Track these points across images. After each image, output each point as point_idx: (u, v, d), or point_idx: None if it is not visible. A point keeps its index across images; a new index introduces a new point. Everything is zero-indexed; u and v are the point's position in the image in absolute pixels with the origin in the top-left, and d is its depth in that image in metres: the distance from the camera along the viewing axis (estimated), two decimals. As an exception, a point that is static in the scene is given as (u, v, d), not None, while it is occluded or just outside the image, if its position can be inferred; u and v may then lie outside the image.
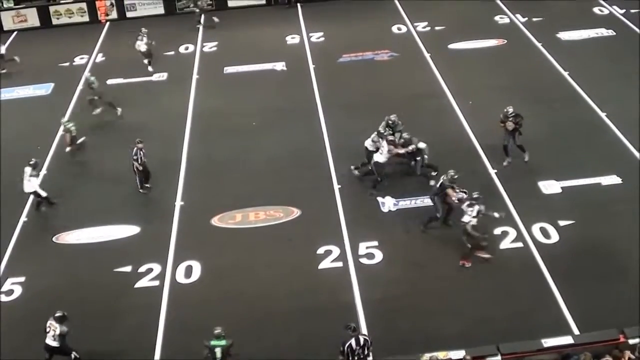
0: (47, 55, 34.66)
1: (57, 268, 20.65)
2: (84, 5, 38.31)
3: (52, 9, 38.39)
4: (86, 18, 38.31)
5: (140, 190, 23.18)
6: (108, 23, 37.81)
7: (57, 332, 17.00)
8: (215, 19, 35.90)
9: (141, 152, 22.80)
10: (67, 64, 33.34)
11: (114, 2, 38.21)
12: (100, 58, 33.82)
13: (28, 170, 22.60)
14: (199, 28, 35.67)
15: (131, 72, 31.46)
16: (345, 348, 15.31)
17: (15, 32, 37.61)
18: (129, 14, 38.24)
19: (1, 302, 19.57)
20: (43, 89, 31.16)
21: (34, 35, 37.49)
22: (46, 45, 35.90)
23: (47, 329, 17.11)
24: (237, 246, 20.70)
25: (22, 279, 20.23)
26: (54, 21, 38.39)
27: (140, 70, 31.47)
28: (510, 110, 22.68)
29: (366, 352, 15.45)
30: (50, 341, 17.09)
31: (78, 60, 33.63)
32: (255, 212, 21.84)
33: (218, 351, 16.03)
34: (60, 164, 25.56)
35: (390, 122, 22.69)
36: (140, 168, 22.97)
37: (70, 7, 38.34)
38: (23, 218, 22.75)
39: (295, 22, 35.06)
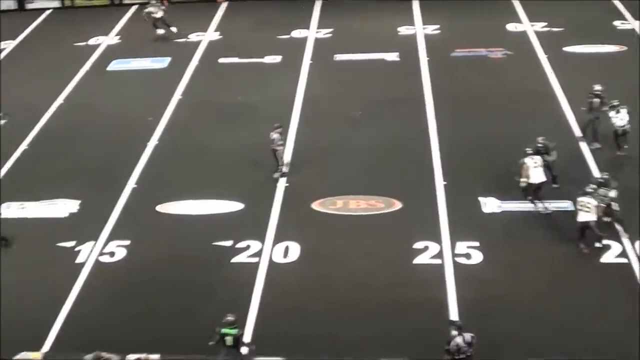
0: (166, 29, 35.45)
1: (160, 236, 21.38)
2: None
3: None
4: (205, -4, 39.09)
5: (275, 175, 23.31)
6: (226, 3, 38.46)
7: None
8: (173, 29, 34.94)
9: (273, 137, 22.97)
10: (184, 40, 34.17)
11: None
12: (216, 36, 34.53)
13: None
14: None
15: (245, 52, 32.01)
16: (452, 346, 15.28)
17: (136, 6, 38.73)
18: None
19: (103, 262, 20.48)
20: (160, 63, 32.11)
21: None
22: (166, 20, 36.70)
23: None
24: (336, 232, 20.90)
25: (126, 242, 21.05)
26: None
27: (254, 51, 31.99)
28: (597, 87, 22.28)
29: (472, 350, 15.41)
30: None
31: (194, 37, 34.43)
32: (357, 200, 21.98)
33: (228, 339, 15.95)
34: (171, 136, 26.32)
35: (540, 145, 21.58)
36: (280, 149, 23.12)
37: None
38: (132, 184, 23.55)
39: (410, 14, 34.89)
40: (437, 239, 20.18)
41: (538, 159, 20.97)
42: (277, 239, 20.64)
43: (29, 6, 40.06)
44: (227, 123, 26.64)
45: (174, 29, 34.46)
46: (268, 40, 33.12)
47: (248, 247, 20.44)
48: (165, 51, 32.98)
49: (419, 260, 19.53)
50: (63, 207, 22.78)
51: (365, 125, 25.97)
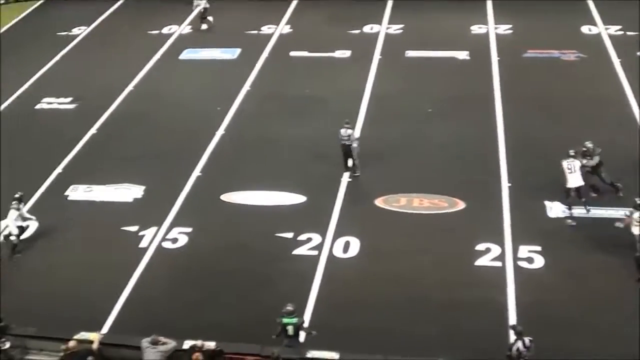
0: (237, 21, 35.93)
1: (222, 225, 21.55)
2: (278, -23, 39.20)
3: None
4: (278, -11, 39.24)
5: (346, 173, 23.22)
6: (299, -3, 38.64)
7: None
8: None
9: (344, 134, 22.61)
10: (255, 32, 34.39)
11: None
12: (287, 29, 34.65)
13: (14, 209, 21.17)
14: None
15: (316, 46, 32.05)
16: (513, 351, 15.21)
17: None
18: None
19: (166, 248, 20.73)
20: (230, 53, 32.36)
21: (226, 0, 38.79)
22: (237, 11, 37.21)
23: None
24: (398, 230, 20.75)
25: (188, 229, 21.25)
26: None
27: (324, 45, 32.00)
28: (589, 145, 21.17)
29: (530, 354, 15.30)
30: None
31: (265, 30, 34.63)
32: (420, 198, 21.81)
33: (290, 328, 16.07)
34: (238, 127, 26.52)
35: (584, 149, 21.25)
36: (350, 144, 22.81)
37: (264, -22, 39.32)
38: (197, 172, 23.80)
39: (483, 12, 34.50)
40: (500, 241, 19.88)
41: (574, 163, 20.60)
42: (338, 234, 20.61)
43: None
44: (294, 116, 26.72)
45: (210, 18, 35.30)
46: (339, 34, 33.11)
47: (309, 240, 20.46)
48: (235, 42, 33.22)
49: (480, 262, 19.28)
50: (128, 192, 23.14)
51: (433, 124, 25.75)
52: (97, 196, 23.13)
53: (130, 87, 29.96)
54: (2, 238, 21.19)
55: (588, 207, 20.76)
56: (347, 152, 22.92)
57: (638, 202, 18.82)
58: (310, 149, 24.56)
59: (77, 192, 23.40)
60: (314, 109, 26.98)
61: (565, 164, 20.59)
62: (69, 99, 29.43)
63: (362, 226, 20.87)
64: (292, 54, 31.76)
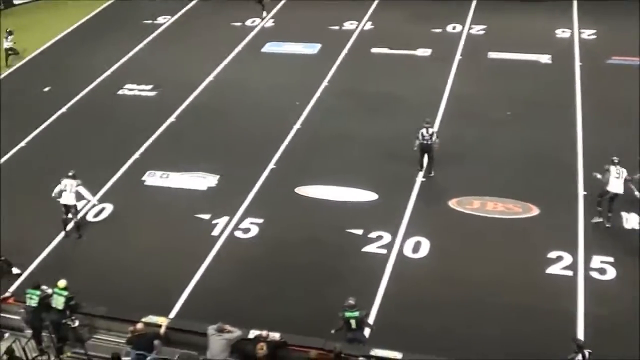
0: (320, 16, 36.06)
1: (294, 217, 21.66)
2: (362, -27, 39.20)
3: None
4: (363, -14, 39.22)
5: (420, 173, 23.06)
6: (382, -7, 38.55)
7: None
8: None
9: (425, 134, 22.43)
10: (337, 27, 34.43)
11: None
12: (368, 26, 34.61)
13: (69, 182, 21.29)
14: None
15: (397, 43, 31.92)
16: None
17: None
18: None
19: (237, 237, 20.95)
20: (311, 48, 32.48)
21: None
22: (319, 7, 37.27)
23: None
24: (469, 232, 20.54)
25: (260, 220, 21.42)
26: None
27: (405, 43, 31.86)
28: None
29: None
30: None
31: (347, 26, 34.65)
32: (494, 202, 21.53)
33: (353, 322, 16.10)
34: (315, 121, 26.64)
35: None
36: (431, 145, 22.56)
37: (349, -27, 39.35)
38: (272, 165, 24.00)
39: (568, 16, 33.87)
40: (572, 250, 19.50)
41: (622, 170, 20.19)
42: (409, 233, 20.51)
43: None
44: (372, 113, 26.68)
45: (264, 13, 36.03)
46: (421, 32, 32.95)
47: (379, 237, 20.40)
48: (317, 38, 33.34)
49: (551, 270, 18.94)
50: (203, 180, 23.44)
51: (512, 127, 25.39)
52: (172, 183, 23.50)
53: (210, 78, 30.32)
54: (70, 216, 21.41)
55: (611, 222, 20.49)
56: (426, 151, 22.77)
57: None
58: (386, 146, 24.47)
59: (154, 178, 23.81)
60: (391, 106, 26.89)
61: (614, 169, 20.15)
62: (150, 87, 29.97)
63: (433, 227, 20.73)
64: (373, 50, 31.70)
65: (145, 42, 34.72)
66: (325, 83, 29.17)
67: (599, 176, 20.37)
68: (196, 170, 23.87)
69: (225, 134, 26.14)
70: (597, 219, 20.55)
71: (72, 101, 29.32)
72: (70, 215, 21.36)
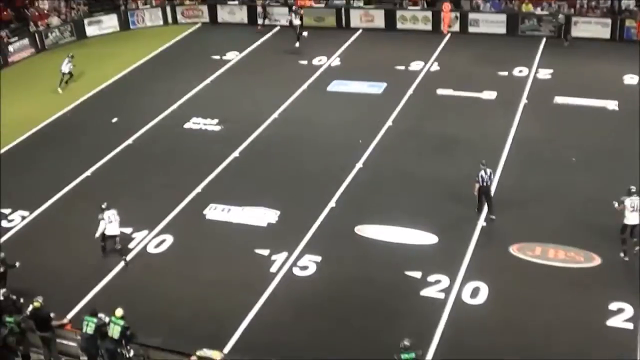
0: (386, 56, 36.27)
1: (352, 256, 21.56)
2: (429, 14, 39.54)
3: (398, 13, 40.13)
4: (429, 27, 39.49)
5: (481, 216, 22.83)
6: (449, 35, 38.63)
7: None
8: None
9: (485, 175, 22.35)
10: (403, 67, 34.54)
11: (458, 15, 38.86)
12: (435, 67, 34.64)
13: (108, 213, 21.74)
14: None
15: (462, 85, 31.83)
16: None
17: (360, 30, 39.82)
18: (471, 29, 38.80)
19: (295, 274, 20.94)
20: (376, 87, 32.56)
21: (377, 35, 39.61)
22: (386, 47, 37.64)
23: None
24: (530, 280, 20.13)
25: (319, 258, 21.41)
26: (398, 25, 40.06)
27: (471, 85, 31.75)
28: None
29: None
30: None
31: (414, 66, 34.74)
32: (556, 249, 21.09)
33: None
34: (377, 161, 26.60)
35: None
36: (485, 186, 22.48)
37: (416, 15, 39.70)
38: (332, 203, 23.97)
39: (637, 62, 33.22)
40: (634, 302, 18.90)
41: (637, 201, 20.26)
42: (468, 278, 20.21)
43: (261, 22, 42.03)
44: (434, 154, 26.58)
45: (297, 44, 36.85)
46: (487, 75, 32.83)
47: (437, 281, 20.14)
48: (382, 77, 33.44)
49: (612, 322, 18.41)
50: (264, 216, 23.52)
51: (576, 173, 24.94)
52: (233, 217, 23.63)
53: (275, 115, 30.59)
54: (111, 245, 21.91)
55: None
56: (485, 193, 22.60)
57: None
58: (448, 188, 24.28)
59: (215, 212, 23.97)
60: (455, 148, 26.73)
61: (628, 202, 20.24)
62: (216, 121, 30.34)
63: (493, 273, 20.40)
64: (439, 91, 31.64)
65: (213, 77, 35.27)
66: (389, 122, 29.17)
67: (616, 205, 20.51)
68: (257, 206, 23.97)
69: (288, 170, 26.26)
70: (624, 257, 20.50)
71: (139, 133, 29.85)
72: (108, 244, 21.92)
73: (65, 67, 35.00)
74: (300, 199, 24.33)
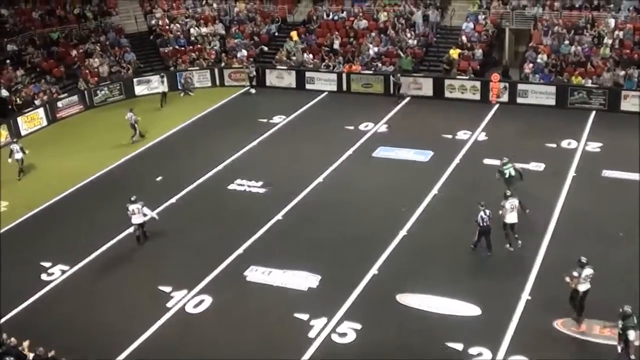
0: (433, 124, 36.60)
1: (392, 325, 21.45)
2: (477, 84, 39.78)
3: (447, 82, 40.47)
4: (477, 97, 39.71)
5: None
6: (497, 105, 38.78)
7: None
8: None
9: (484, 216, 24.15)
10: (450, 136, 34.68)
11: (507, 85, 39.05)
12: (482, 137, 34.75)
13: (135, 206, 25.96)
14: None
15: (509, 156, 31.52)
16: None
17: (408, 97, 40.14)
18: (519, 100, 38.89)
19: (334, 341, 20.88)
20: (422, 155, 32.73)
21: (425, 103, 40.00)
22: (434, 115, 37.97)
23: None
24: (572, 356, 19.87)
25: (358, 325, 21.33)
26: (446, 94, 40.38)
27: (519, 156, 31.17)
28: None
29: None
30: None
31: (461, 135, 34.92)
32: (602, 326, 20.77)
33: None
34: (421, 230, 26.59)
35: None
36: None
37: (464, 84, 39.95)
38: (374, 270, 23.94)
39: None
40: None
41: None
42: (510, 352, 19.93)
43: (308, 87, 42.72)
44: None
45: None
46: (535, 146, 32.77)
47: (479, 354, 19.92)
48: (429, 145, 33.62)
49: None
50: (304, 280, 23.56)
51: (623, 248, 24.62)
52: (274, 280, 23.71)
53: (320, 179, 30.87)
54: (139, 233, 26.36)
55: None
56: (485, 234, 24.24)
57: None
58: (492, 259, 24.22)
59: (256, 274, 24.09)
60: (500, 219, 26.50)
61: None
62: (260, 183, 30.69)
63: (536, 347, 20.07)
64: (485, 161, 31.62)
65: (259, 139, 35.80)
66: (434, 191, 29.24)
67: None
68: (299, 269, 24.04)
69: (331, 234, 26.35)
70: None
71: (183, 192, 30.31)
72: (138, 233, 26.35)
73: (131, 119, 36.15)
74: (342, 265, 24.37)
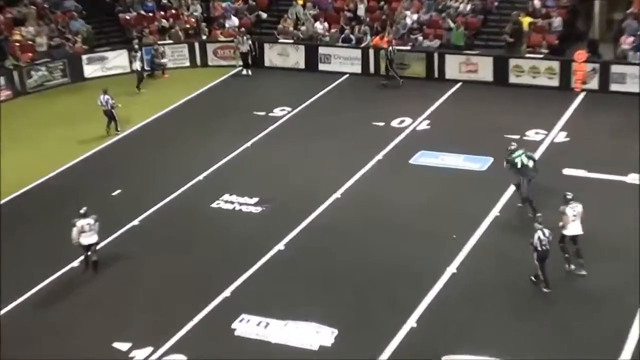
0: (493, 120, 36.55)
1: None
2: (555, 65, 39.74)
3: (512, 62, 40.36)
4: (554, 82, 39.78)
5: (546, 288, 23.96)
6: (583, 93, 38.62)
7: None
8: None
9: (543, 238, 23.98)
10: (517, 136, 34.22)
11: (597, 67, 38.73)
12: (561, 137, 34.64)
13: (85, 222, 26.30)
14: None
15: (599, 164, 31.68)
16: None
17: (459, 84, 40.04)
18: (613, 87, 38.90)
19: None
20: (477, 162, 32.56)
21: (482, 91, 40.13)
22: (494, 108, 38.02)
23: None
24: None
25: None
26: (511, 78, 40.44)
27: (609, 165, 31.50)
28: None
29: None
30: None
31: (532, 135, 34.84)
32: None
33: None
34: (478, 264, 26.22)
35: None
36: None
37: (536, 65, 39.97)
38: (412, 322, 23.51)
39: None
40: None
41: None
42: None
43: (322, 67, 42.71)
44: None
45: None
46: (635, 151, 32.39)
47: None
48: (487, 148, 33.39)
49: None
50: (315, 335, 23.17)
51: None
52: (272, 335, 23.37)
53: (337, 194, 30.69)
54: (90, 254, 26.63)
55: None
56: (543, 259, 24.01)
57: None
58: (560, 294, 24.16)
59: (248, 326, 23.79)
60: (588, 250, 25.79)
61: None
62: (255, 200, 30.48)
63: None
64: (565, 171, 31.36)
65: (254, 139, 35.86)
66: (495, 212, 28.95)
67: None
68: (306, 320, 23.73)
69: (352, 271, 26.06)
70: None
71: (150, 211, 30.18)
72: (90, 253, 26.52)
73: (107, 103, 36.99)
74: (367, 314, 24.13)
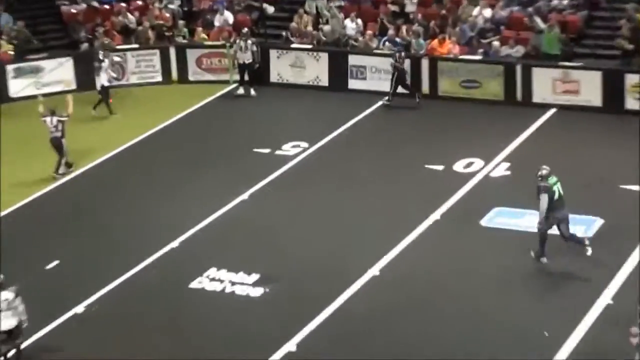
0: (602, 163, 36.83)
1: None
2: None
3: (629, 79, 40.61)
4: None
5: None
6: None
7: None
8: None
9: None
10: (638, 187, 33.98)
11: None
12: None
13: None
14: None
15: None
16: None
17: (552, 110, 40.77)
18: None
19: None
20: (581, 225, 32.11)
21: (585, 120, 41.04)
22: (604, 145, 38.10)
23: None
24: None
25: None
26: (629, 102, 40.94)
27: None
28: None
29: None
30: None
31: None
32: None
33: None
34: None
35: None
36: None
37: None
38: None
39: None
40: None
41: None
42: None
43: (354, 84, 42.45)
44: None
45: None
46: None
47: None
48: (592, 204, 33.51)
49: None
50: None
51: None
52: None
53: (375, 270, 30.43)
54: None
55: None
56: None
57: None
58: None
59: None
60: None
61: None
62: (253, 278, 30.34)
63: None
64: None
65: (253, 189, 36.02)
66: (604, 297, 28.48)
67: None
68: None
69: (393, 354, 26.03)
70: None
71: (98, 293, 29.91)
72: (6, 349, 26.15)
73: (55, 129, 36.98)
74: None
